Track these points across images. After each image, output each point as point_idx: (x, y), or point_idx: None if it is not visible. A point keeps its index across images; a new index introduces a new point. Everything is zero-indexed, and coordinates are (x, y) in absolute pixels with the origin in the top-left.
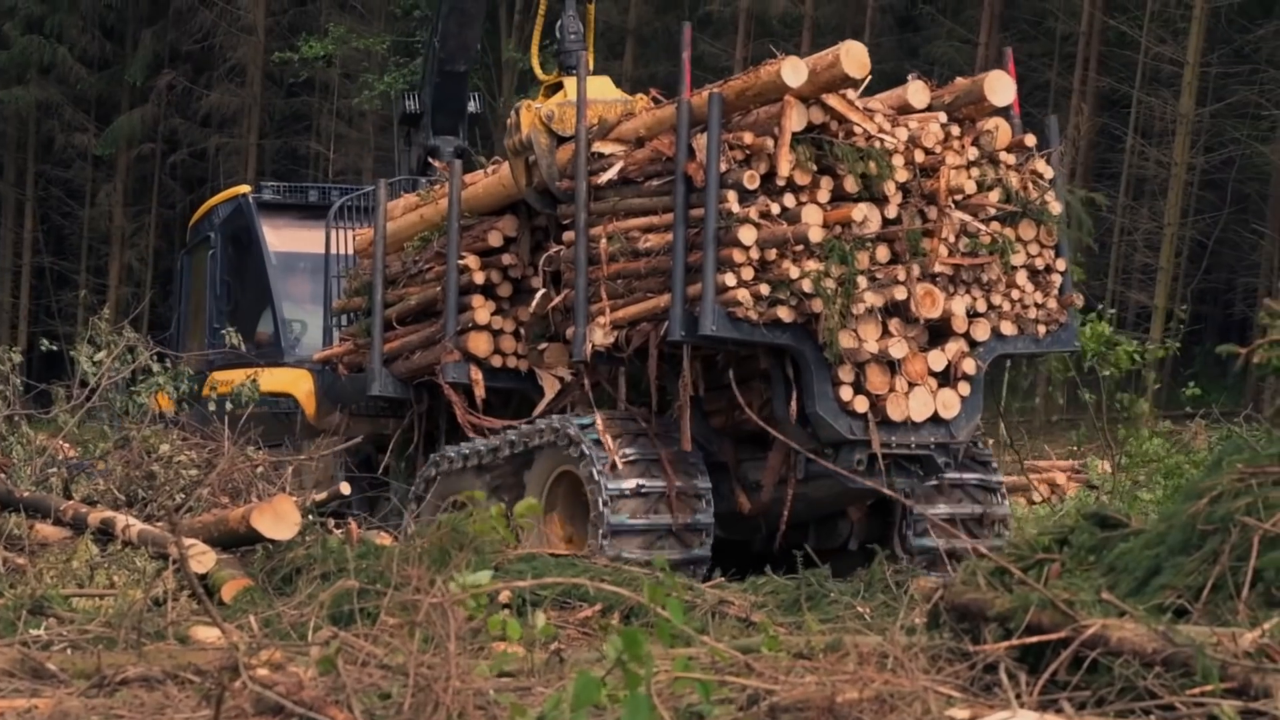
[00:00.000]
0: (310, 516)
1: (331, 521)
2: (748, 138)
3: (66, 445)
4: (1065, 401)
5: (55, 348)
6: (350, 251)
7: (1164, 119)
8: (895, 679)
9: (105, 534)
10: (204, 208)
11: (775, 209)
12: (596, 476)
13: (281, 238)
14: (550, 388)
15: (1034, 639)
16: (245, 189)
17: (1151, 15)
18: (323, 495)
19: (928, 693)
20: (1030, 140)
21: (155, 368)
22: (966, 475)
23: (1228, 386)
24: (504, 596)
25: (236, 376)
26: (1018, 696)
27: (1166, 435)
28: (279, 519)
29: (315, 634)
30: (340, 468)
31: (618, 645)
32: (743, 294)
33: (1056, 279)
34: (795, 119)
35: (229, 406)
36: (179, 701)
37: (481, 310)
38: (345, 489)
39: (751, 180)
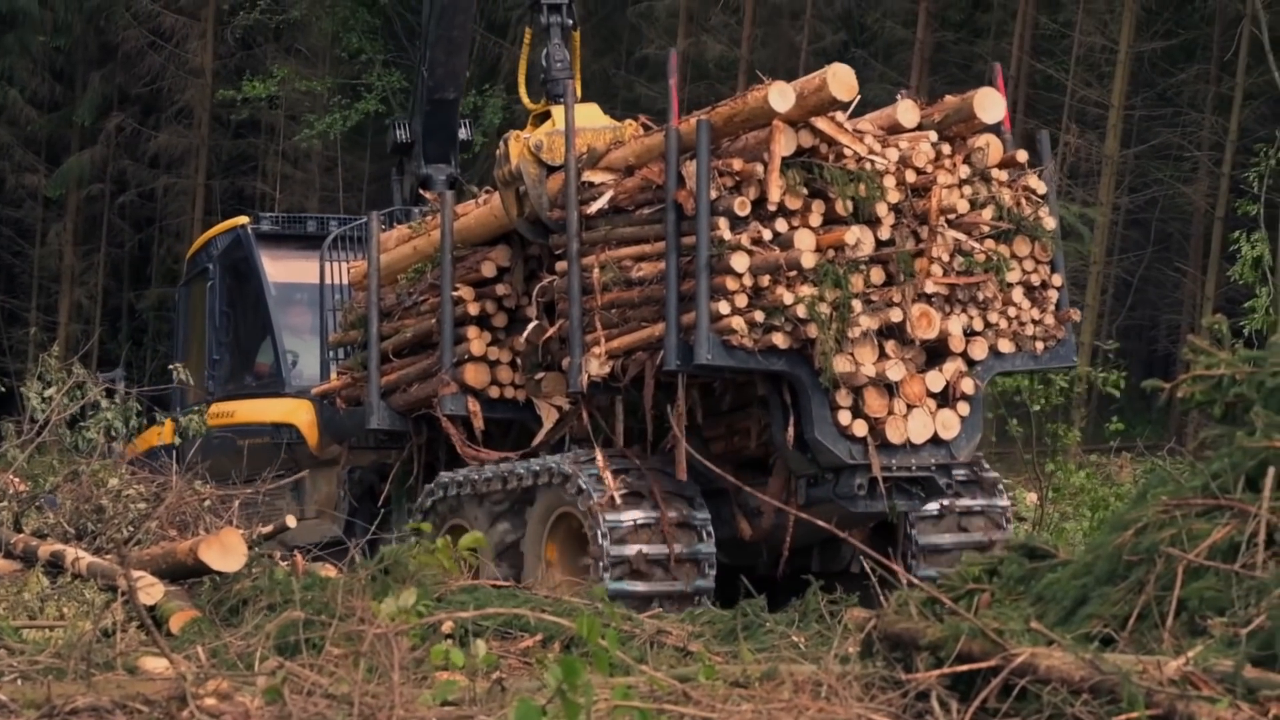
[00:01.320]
0: (256, 549)
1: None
2: (737, 164)
3: (17, 479)
4: (995, 437)
5: (3, 389)
6: (346, 282)
7: (1089, 160)
8: (829, 707)
9: (55, 566)
10: (202, 239)
11: (767, 234)
12: (595, 511)
13: (280, 268)
14: (549, 417)
15: (965, 667)
16: (243, 220)
17: (1077, 60)
18: (269, 529)
19: None
20: (1022, 156)
21: (104, 403)
22: (972, 502)
23: (1151, 421)
24: (447, 627)
25: (237, 407)
26: None
27: (1093, 468)
28: (226, 551)
29: (261, 664)
30: (344, 497)
31: (558, 674)
32: (737, 321)
33: (1053, 295)
34: (784, 143)
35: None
36: None
37: (477, 342)
38: (291, 522)
39: (742, 207)
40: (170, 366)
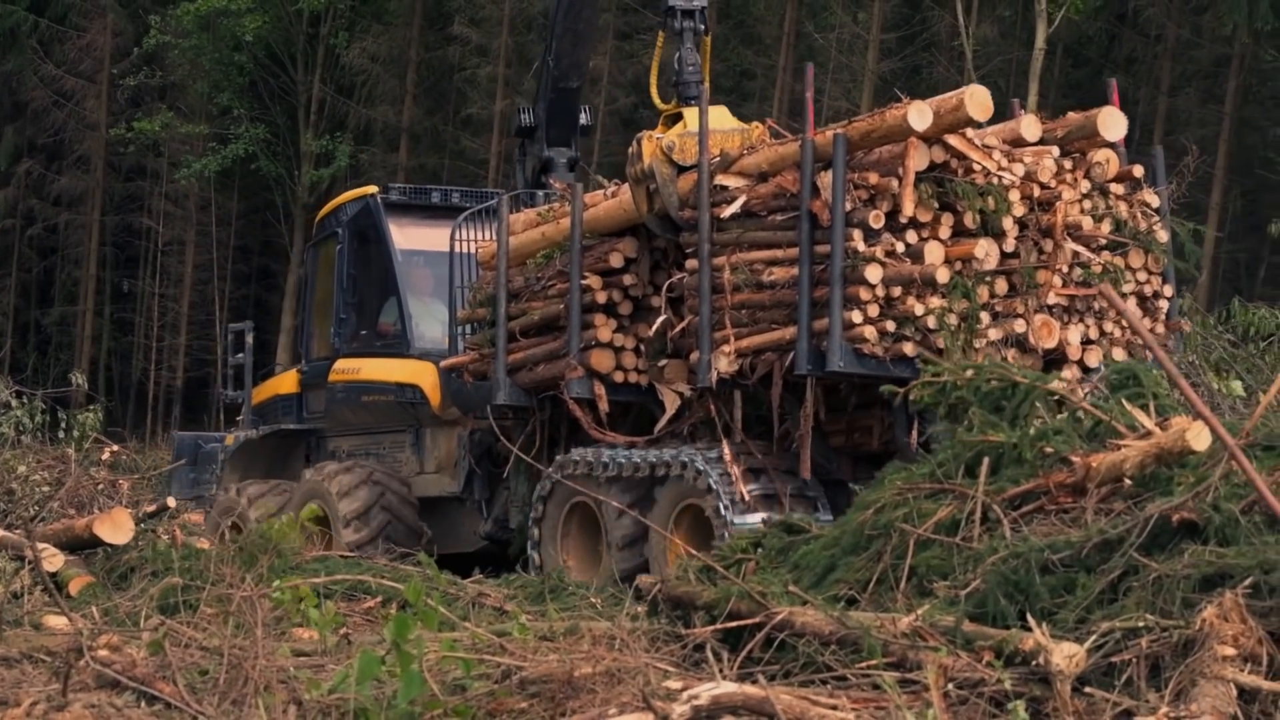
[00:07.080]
0: (142, 525)
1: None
2: (873, 178)
3: None
4: None
5: None
6: (472, 250)
7: None
8: (622, 657)
9: None
10: (331, 205)
11: (899, 246)
12: (723, 512)
13: (406, 236)
14: (670, 403)
15: (734, 624)
16: (373, 189)
17: (827, 121)
18: (152, 508)
19: (648, 668)
20: (1138, 171)
21: (14, 403)
22: None
23: None
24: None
25: (361, 365)
26: (721, 671)
27: None
28: (117, 527)
29: (146, 622)
30: (463, 456)
31: (394, 630)
32: (869, 330)
33: (1164, 305)
34: (919, 159)
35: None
36: (33, 677)
37: (604, 328)
38: (171, 503)
39: (876, 219)
40: (69, 374)
